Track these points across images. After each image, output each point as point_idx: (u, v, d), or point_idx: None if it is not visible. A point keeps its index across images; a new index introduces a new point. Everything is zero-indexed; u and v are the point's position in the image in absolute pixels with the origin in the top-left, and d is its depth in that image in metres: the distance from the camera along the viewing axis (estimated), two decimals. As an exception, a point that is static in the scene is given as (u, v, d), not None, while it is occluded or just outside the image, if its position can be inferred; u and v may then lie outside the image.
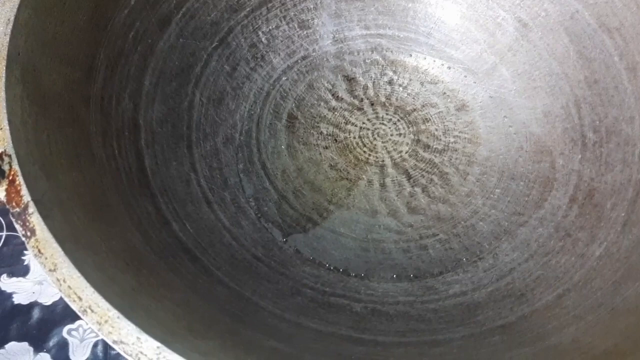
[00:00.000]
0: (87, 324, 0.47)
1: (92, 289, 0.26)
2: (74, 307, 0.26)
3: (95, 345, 0.48)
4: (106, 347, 0.48)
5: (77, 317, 0.49)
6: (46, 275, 0.27)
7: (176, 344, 0.25)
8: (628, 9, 0.42)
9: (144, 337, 0.25)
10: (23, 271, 0.51)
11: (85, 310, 0.26)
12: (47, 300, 0.50)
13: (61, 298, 0.49)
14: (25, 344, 0.48)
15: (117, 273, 0.29)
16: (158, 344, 0.25)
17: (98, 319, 0.26)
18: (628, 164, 0.41)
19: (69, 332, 0.48)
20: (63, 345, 0.48)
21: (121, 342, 0.25)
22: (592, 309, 0.35)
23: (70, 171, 0.32)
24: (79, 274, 0.26)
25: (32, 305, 0.49)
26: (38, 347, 0.48)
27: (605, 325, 0.33)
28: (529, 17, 0.48)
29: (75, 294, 0.26)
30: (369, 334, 0.36)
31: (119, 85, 0.40)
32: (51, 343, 0.48)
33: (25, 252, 0.51)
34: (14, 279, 0.50)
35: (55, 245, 0.27)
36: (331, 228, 0.45)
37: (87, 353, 0.48)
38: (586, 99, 0.45)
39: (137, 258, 0.32)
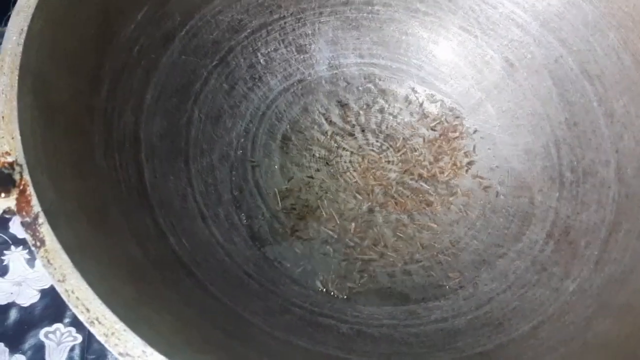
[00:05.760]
0: (64, 327, 0.48)
1: (99, 301, 0.26)
2: (82, 318, 0.26)
3: (72, 349, 0.48)
4: (83, 351, 0.48)
5: (55, 320, 0.49)
6: (55, 285, 0.27)
7: (179, 358, 0.26)
8: (609, 58, 0.45)
9: (149, 350, 0.26)
10: (1, 271, 0.50)
11: (92, 322, 0.26)
12: (25, 302, 0.49)
13: (39, 300, 0.49)
14: (0, 345, 0.47)
15: (119, 284, 0.30)
16: (163, 357, 0.26)
17: (105, 330, 0.26)
18: (602, 205, 0.43)
19: (45, 335, 0.48)
20: (39, 348, 0.48)
21: (127, 354, 0.26)
22: (565, 342, 0.36)
23: (74, 181, 0.33)
24: (87, 286, 0.27)
25: (10, 306, 0.49)
26: (14, 349, 0.47)
27: (578, 358, 0.35)
28: (516, 57, 0.50)
29: (84, 305, 0.26)
30: (355, 355, 0.38)
31: (122, 98, 0.40)
32: (27, 345, 0.48)
33: (5, 252, 0.51)
34: (-8, 278, 0.50)
35: (65, 256, 0.27)
36: (320, 249, 0.46)
37: (64, 357, 0.48)
38: (566, 139, 0.47)
39: (137, 270, 0.33)
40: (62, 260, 0.27)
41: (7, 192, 0.28)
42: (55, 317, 0.49)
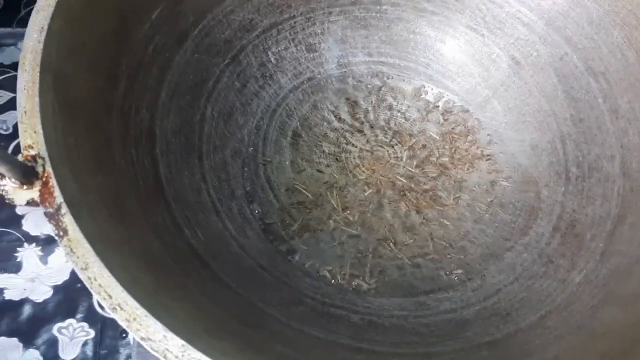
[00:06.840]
0: (77, 322, 0.49)
1: (121, 288, 0.27)
2: (105, 304, 0.27)
3: (84, 344, 0.49)
4: (96, 346, 0.49)
5: (68, 316, 0.49)
6: (78, 273, 0.28)
7: (198, 343, 0.27)
8: (613, 55, 0.46)
9: (170, 335, 0.26)
10: (15, 268, 0.51)
11: (115, 308, 0.27)
12: (38, 298, 0.50)
13: (52, 296, 0.50)
14: (15, 340, 0.48)
15: (139, 274, 0.30)
16: (183, 342, 0.26)
17: (127, 316, 0.27)
18: (608, 198, 0.44)
19: (59, 330, 0.49)
20: (53, 343, 0.48)
21: (149, 339, 0.26)
22: (572, 331, 0.37)
23: (94, 175, 0.33)
24: (109, 273, 0.27)
25: (23, 301, 0.50)
26: (28, 344, 0.48)
27: (585, 346, 0.35)
28: (522, 55, 0.51)
29: (106, 292, 0.27)
30: (367, 343, 0.38)
31: (138, 95, 0.41)
32: (41, 340, 0.48)
33: (18, 249, 0.52)
34: (6, 275, 0.51)
35: (87, 245, 0.28)
36: (330, 242, 0.47)
37: (77, 351, 0.48)
38: (571, 135, 0.48)
39: (155, 261, 0.34)
40: (85, 249, 0.28)
41: (31, 184, 0.29)
42: (68, 312, 0.50)
